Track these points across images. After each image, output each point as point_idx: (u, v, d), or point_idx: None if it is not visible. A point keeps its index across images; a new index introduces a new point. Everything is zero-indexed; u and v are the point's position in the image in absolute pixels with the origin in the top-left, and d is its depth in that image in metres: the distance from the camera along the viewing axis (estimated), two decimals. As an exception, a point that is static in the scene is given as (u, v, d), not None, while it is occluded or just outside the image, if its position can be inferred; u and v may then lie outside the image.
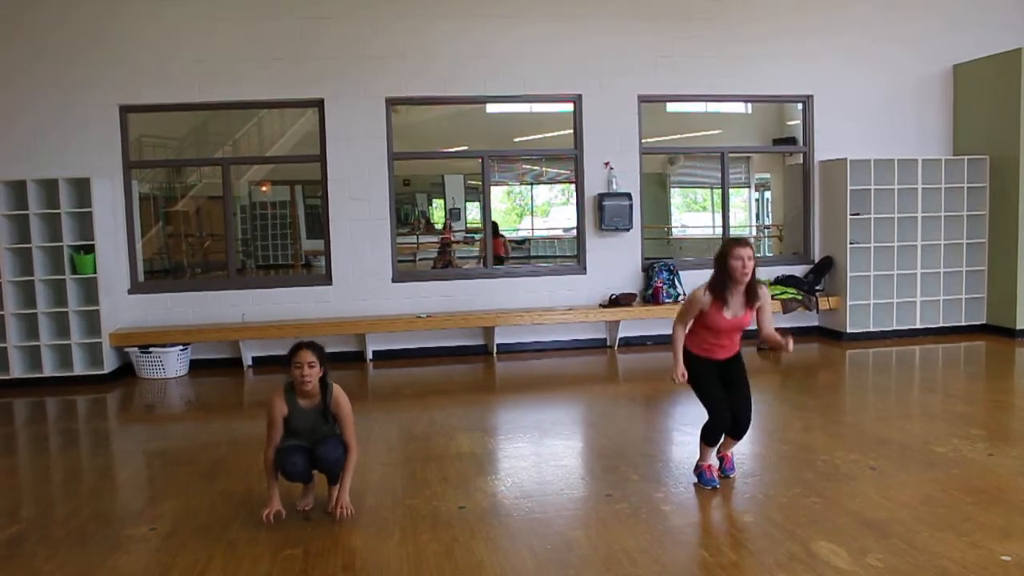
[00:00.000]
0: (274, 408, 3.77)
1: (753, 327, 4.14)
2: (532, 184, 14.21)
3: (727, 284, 3.98)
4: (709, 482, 4.13)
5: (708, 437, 4.15)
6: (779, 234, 10.77)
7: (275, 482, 3.78)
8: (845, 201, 8.14)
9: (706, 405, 4.14)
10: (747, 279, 3.97)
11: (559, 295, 8.20)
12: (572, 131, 8.28)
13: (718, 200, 9.77)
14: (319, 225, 9.00)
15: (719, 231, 9.12)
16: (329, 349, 3.92)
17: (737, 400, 4.11)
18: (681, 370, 4.12)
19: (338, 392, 3.83)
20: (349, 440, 3.83)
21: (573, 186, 8.48)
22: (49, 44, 7.45)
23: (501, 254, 10.78)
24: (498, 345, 8.08)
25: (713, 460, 4.22)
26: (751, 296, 4.03)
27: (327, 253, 8.00)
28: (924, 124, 8.68)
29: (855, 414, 5.68)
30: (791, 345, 4.02)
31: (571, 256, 9.15)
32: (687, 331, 4.17)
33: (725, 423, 4.09)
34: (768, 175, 12.42)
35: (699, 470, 4.21)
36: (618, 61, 8.12)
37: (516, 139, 11.01)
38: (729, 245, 4.01)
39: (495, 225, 9.69)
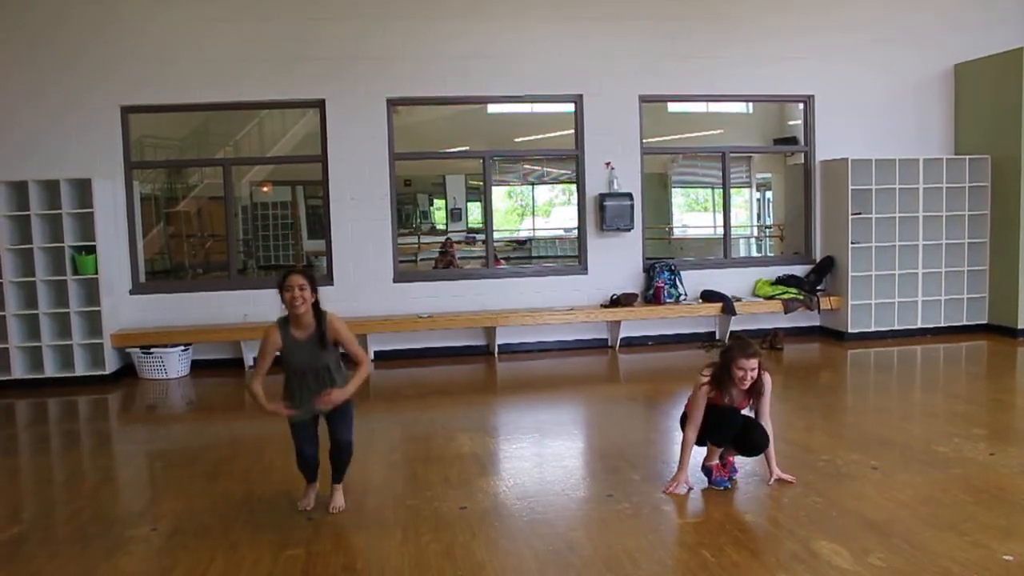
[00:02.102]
0: (268, 340, 3.77)
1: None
2: (533, 184, 14.19)
3: (727, 385, 3.91)
4: (719, 483, 4.07)
5: (715, 438, 4.08)
6: (780, 234, 10.76)
7: (274, 404, 3.76)
8: (846, 201, 8.13)
9: (713, 417, 4.02)
10: (747, 385, 3.89)
11: (560, 295, 8.19)
12: (573, 131, 8.28)
13: (719, 200, 9.78)
14: (320, 225, 9.01)
15: (720, 231, 9.12)
16: (330, 350, 3.91)
17: (751, 422, 4.02)
18: (685, 478, 4.04)
19: (332, 316, 3.82)
20: (354, 351, 3.86)
21: (574, 186, 8.48)
22: (50, 45, 7.45)
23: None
24: (499, 345, 8.08)
25: (718, 460, 4.18)
26: (752, 391, 3.97)
27: (328, 253, 8.00)
28: (925, 124, 8.67)
29: (856, 414, 5.67)
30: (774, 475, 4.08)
31: (572, 256, 9.14)
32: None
33: (734, 426, 3.98)
34: (769, 175, 12.42)
35: (707, 471, 4.14)
36: (619, 61, 8.12)
37: (517, 139, 11.01)
38: (736, 355, 3.87)
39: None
